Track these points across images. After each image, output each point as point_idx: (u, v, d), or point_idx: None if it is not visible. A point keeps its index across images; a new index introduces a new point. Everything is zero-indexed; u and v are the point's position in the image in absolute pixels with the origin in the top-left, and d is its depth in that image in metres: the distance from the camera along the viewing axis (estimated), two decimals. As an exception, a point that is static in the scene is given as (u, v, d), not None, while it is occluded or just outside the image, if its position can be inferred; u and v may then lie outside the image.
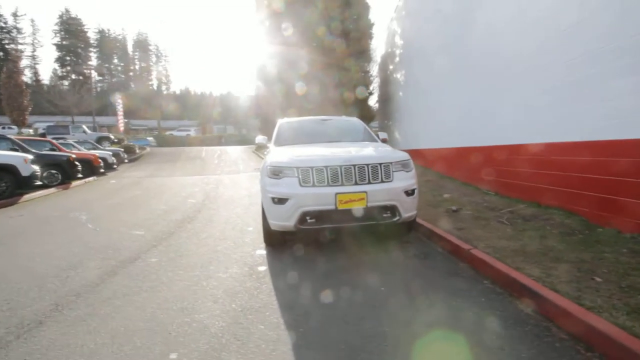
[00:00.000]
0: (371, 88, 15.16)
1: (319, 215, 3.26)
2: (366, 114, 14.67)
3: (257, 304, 2.46)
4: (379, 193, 3.27)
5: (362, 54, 14.56)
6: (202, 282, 2.88)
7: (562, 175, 4.20)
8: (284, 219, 3.31)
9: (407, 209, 3.43)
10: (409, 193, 3.44)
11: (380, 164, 3.38)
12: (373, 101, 16.48)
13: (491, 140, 5.96)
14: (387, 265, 3.27)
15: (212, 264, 3.34)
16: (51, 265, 3.32)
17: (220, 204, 6.67)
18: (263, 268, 3.21)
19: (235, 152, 24.04)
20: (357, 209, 3.23)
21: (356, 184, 3.27)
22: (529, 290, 2.30)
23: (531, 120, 4.90)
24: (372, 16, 14.91)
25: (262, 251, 3.70)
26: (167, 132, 45.03)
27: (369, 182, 3.30)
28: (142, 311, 2.38)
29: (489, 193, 5.80)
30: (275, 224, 3.40)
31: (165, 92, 64.27)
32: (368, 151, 3.70)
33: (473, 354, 1.83)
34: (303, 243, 3.85)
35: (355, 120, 5.24)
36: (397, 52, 13.72)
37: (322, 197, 3.21)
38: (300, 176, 3.29)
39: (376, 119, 16.19)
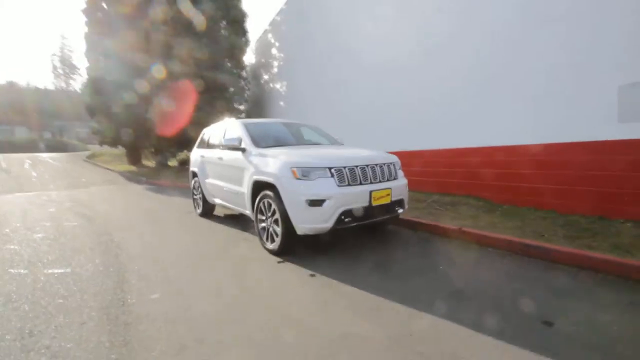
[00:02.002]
0: (246, 96, 15.01)
1: (355, 214, 3.33)
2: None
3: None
4: (396, 189, 3.65)
5: (235, 63, 14.23)
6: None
7: (467, 172, 5.75)
8: (321, 221, 3.20)
9: (407, 202, 3.96)
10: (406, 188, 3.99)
11: (391, 163, 3.78)
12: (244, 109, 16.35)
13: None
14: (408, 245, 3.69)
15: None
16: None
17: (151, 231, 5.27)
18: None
19: (54, 161, 18.40)
20: (384, 204, 3.50)
21: (381, 181, 3.54)
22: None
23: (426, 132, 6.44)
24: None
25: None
26: None
27: (388, 180, 3.64)
28: None
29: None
30: (307, 227, 3.22)
31: None
32: (369, 152, 4.00)
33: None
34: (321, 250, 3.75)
35: (314, 125, 5.36)
36: (275, 63, 14.25)
37: (359, 196, 3.32)
38: (336, 176, 3.27)
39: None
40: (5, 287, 2.81)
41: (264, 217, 3.67)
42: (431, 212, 4.95)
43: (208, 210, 5.70)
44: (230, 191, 4.43)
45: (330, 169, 3.29)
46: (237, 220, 5.29)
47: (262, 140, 4.25)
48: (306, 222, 3.22)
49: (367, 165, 3.48)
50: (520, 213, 4.55)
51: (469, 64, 5.64)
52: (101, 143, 14.90)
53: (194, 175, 5.93)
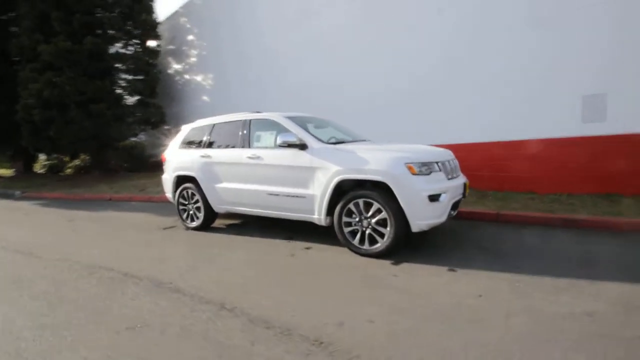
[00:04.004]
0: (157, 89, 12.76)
1: (455, 205, 3.42)
2: (157, 118, 12.25)
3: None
4: (466, 182, 3.91)
5: (145, 48, 11.87)
6: None
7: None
8: (438, 216, 3.18)
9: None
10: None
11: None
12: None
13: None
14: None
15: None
16: None
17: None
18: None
19: None
20: (461, 196, 3.70)
21: (458, 175, 3.72)
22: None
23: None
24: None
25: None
26: None
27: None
28: None
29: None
30: (424, 223, 3.13)
31: None
32: (434, 147, 4.07)
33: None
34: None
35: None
36: (194, 52, 12.66)
37: (458, 189, 3.43)
38: (442, 170, 3.28)
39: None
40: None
41: (357, 219, 3.35)
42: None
43: (209, 222, 4.75)
44: (282, 195, 3.83)
45: (437, 163, 3.29)
46: (255, 228, 4.58)
47: (318, 137, 3.84)
48: (425, 219, 3.12)
49: (450, 160, 3.61)
50: (509, 197, 5.51)
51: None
52: None
53: (184, 181, 4.83)
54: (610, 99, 4.86)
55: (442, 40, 6.44)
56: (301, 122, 4.08)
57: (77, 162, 13.71)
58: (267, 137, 4.13)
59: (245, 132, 4.28)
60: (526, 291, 2.48)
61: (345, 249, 3.54)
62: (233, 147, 4.37)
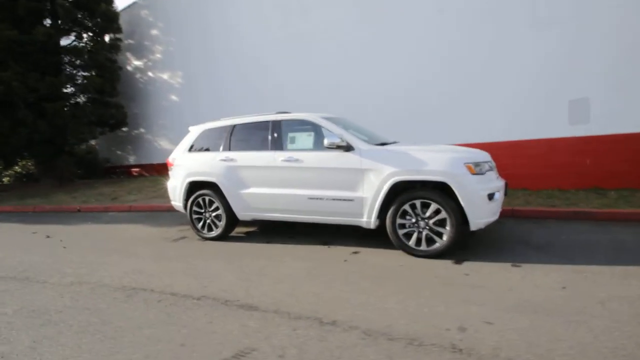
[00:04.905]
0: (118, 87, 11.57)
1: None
2: (118, 119, 11.12)
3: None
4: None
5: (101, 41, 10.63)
6: None
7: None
8: (493, 214, 3.32)
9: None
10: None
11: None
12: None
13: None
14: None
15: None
16: None
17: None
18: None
19: None
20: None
21: (494, 175, 3.90)
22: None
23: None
24: None
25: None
26: None
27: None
28: None
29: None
30: (482, 221, 3.23)
31: None
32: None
33: None
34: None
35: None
36: (160, 48, 11.73)
37: (503, 188, 3.57)
38: (493, 169, 3.40)
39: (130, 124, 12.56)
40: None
41: (412, 221, 3.34)
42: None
43: (229, 231, 4.41)
44: (326, 198, 3.67)
45: (487, 162, 3.41)
46: (277, 234, 4.36)
47: (363, 138, 3.77)
48: (483, 217, 3.21)
49: (491, 160, 3.77)
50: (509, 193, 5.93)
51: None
52: None
53: (199, 187, 4.43)
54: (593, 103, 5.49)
55: (419, 41, 6.73)
56: (337, 123, 3.97)
57: (17, 169, 11.87)
58: (304, 139, 3.95)
59: (276, 134, 4.04)
60: (598, 280, 2.68)
61: (396, 251, 3.51)
62: (261, 149, 4.11)
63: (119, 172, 13.14)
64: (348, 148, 3.59)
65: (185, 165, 4.56)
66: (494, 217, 3.32)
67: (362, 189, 3.52)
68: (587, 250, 3.35)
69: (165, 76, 11.72)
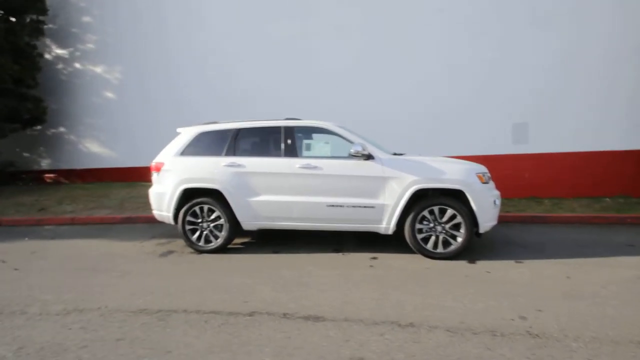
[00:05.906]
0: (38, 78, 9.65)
1: (496, 210, 4.09)
2: (36, 115, 9.29)
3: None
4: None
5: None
6: None
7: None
8: (496, 218, 3.79)
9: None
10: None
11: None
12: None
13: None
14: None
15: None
16: None
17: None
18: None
19: None
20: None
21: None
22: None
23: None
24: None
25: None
26: None
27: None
28: None
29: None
30: (489, 225, 3.67)
31: None
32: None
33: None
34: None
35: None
36: (93, 38, 10.29)
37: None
38: (491, 180, 3.89)
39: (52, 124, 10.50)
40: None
41: (430, 225, 3.61)
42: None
43: (229, 242, 4.11)
44: (347, 206, 3.71)
45: (486, 173, 3.88)
46: (277, 244, 4.23)
47: (372, 146, 3.94)
48: (490, 221, 3.65)
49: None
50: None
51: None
52: None
53: (196, 195, 4.04)
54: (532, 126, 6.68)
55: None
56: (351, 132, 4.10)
57: None
58: (321, 146, 3.96)
59: (289, 140, 3.95)
60: (587, 270, 3.28)
61: (412, 255, 3.74)
62: (273, 156, 3.97)
63: (26, 179, 10.89)
64: (368, 157, 3.72)
65: (177, 171, 4.10)
66: (496, 221, 3.80)
67: (384, 196, 3.68)
68: (560, 247, 4.06)
69: (98, 69, 10.27)
